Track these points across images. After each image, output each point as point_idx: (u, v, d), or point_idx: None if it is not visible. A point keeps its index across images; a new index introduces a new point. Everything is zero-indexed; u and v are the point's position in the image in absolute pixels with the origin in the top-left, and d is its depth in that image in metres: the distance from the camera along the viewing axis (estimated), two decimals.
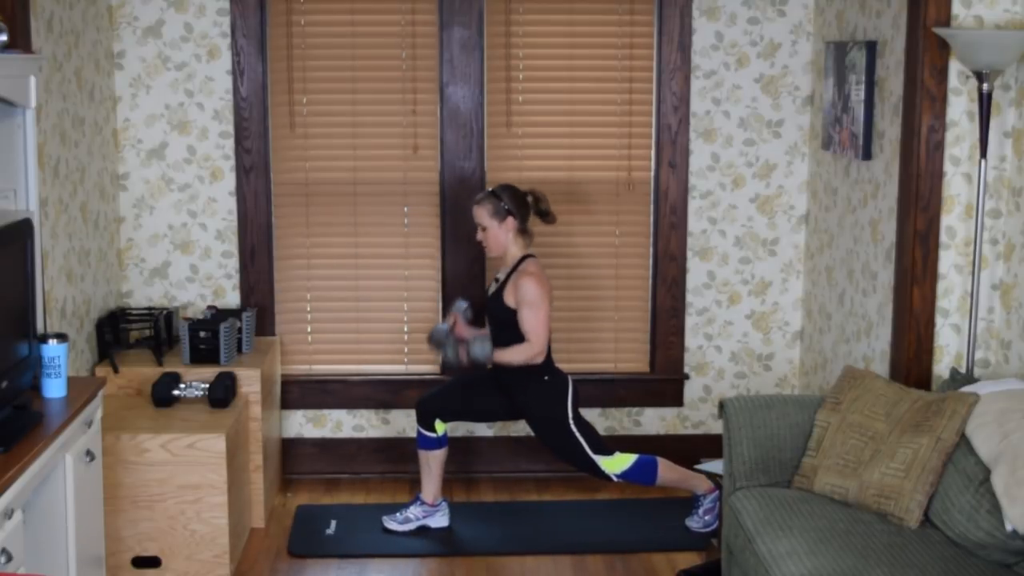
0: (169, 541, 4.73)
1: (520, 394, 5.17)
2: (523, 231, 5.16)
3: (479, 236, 5.18)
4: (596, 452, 5.14)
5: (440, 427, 5.21)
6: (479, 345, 5.08)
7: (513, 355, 5.06)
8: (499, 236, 5.13)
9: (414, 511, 5.28)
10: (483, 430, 5.91)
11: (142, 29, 5.61)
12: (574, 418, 5.14)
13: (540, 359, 5.07)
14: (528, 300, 5.02)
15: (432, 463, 5.26)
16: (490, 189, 5.19)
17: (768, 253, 5.90)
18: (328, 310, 5.88)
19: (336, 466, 5.93)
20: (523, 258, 5.14)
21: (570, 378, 5.22)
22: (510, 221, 5.11)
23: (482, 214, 5.13)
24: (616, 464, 5.14)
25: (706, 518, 5.21)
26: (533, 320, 5.03)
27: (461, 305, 5.28)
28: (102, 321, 5.27)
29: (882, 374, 4.74)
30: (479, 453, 5.90)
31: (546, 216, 5.21)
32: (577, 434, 5.13)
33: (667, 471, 5.18)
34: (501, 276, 5.17)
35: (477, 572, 4.96)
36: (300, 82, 5.74)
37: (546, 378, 5.16)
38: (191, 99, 5.68)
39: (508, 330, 5.09)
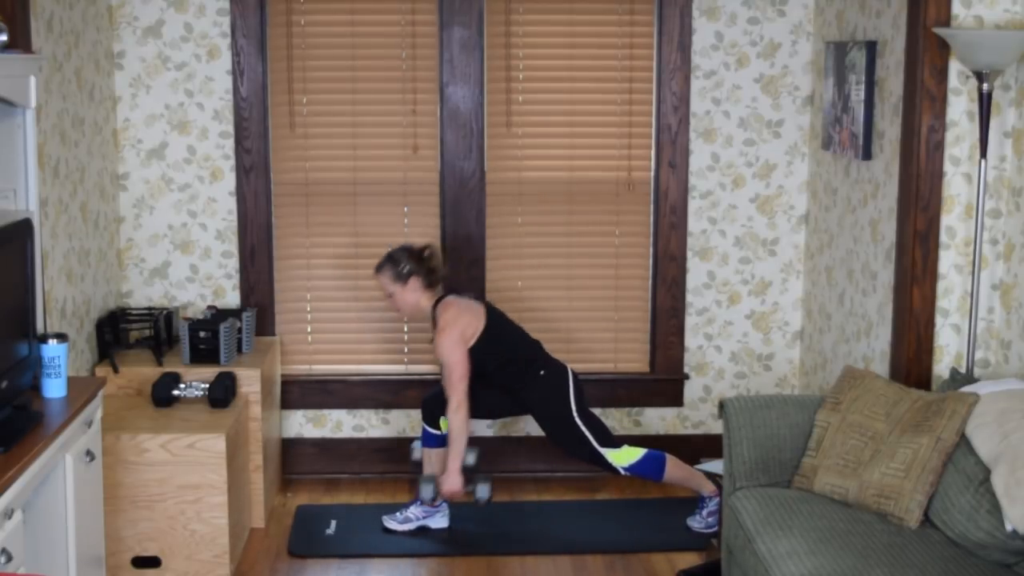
0: (169, 541, 4.73)
1: (522, 391, 5.18)
2: (430, 285, 5.19)
3: (387, 303, 5.22)
4: (603, 445, 5.14)
5: (444, 424, 5.21)
6: (481, 488, 5.13)
7: (453, 433, 5.06)
8: (407, 298, 5.18)
9: (414, 511, 5.28)
10: (483, 430, 5.91)
11: (142, 29, 5.61)
12: (578, 411, 5.15)
13: (461, 412, 5.05)
14: (442, 356, 5.08)
15: (435, 461, 5.26)
16: (387, 253, 5.21)
17: (768, 253, 5.90)
18: (328, 310, 5.88)
19: (336, 466, 5.93)
20: (436, 303, 5.18)
21: (570, 369, 5.22)
22: (413, 281, 5.15)
23: (384, 281, 5.19)
24: (624, 457, 5.14)
25: (709, 519, 5.21)
26: (447, 377, 5.07)
27: (483, 495, 5.22)
28: (102, 321, 5.27)
29: (882, 374, 4.74)
30: (478, 453, 5.89)
31: (432, 273, 5.20)
32: (582, 427, 5.13)
33: (675, 468, 5.19)
34: (432, 333, 5.23)
35: (477, 572, 4.96)
36: (300, 82, 5.74)
37: (542, 373, 5.17)
38: (191, 99, 5.68)
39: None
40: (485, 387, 5.22)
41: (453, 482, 5.08)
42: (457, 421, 5.06)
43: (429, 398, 5.28)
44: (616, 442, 5.18)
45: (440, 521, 5.29)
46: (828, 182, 5.54)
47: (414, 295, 5.18)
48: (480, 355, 5.13)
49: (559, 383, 5.16)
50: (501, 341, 5.19)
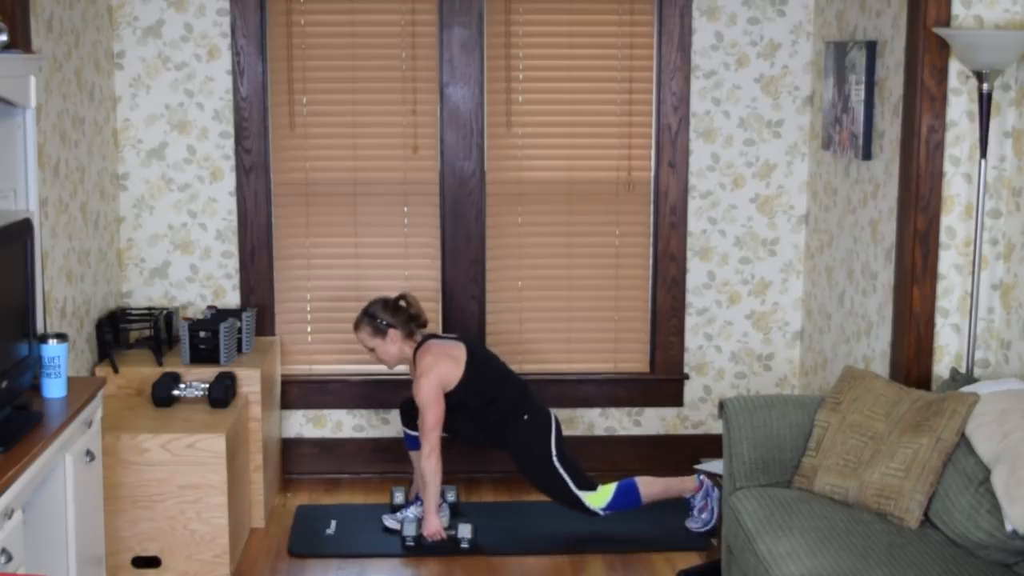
0: (169, 541, 4.73)
1: (504, 431, 5.18)
2: (409, 335, 5.19)
3: (371, 358, 5.24)
4: (580, 488, 5.13)
5: (602, 494, 5.16)
6: (463, 528, 5.10)
7: (426, 478, 5.06)
8: (389, 350, 5.20)
9: (413, 511, 5.28)
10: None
11: (142, 29, 5.61)
12: (558, 455, 5.14)
13: (432, 459, 5.04)
14: (420, 403, 5.08)
15: (417, 462, 5.27)
16: (363, 309, 5.22)
17: (768, 253, 5.90)
18: (328, 310, 5.88)
19: (336, 466, 5.93)
20: (415, 351, 5.18)
21: (553, 415, 5.21)
22: (392, 334, 5.16)
23: (364, 337, 5.21)
24: (600, 498, 5.13)
25: (703, 516, 5.20)
26: (423, 421, 5.07)
27: (465, 535, 5.17)
28: (102, 321, 5.26)
29: (882, 374, 4.74)
30: (479, 453, 5.89)
31: (416, 319, 5.21)
32: (561, 470, 5.12)
33: (648, 487, 5.18)
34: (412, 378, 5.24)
35: (477, 572, 4.96)
36: (300, 82, 5.74)
37: (526, 417, 5.16)
38: (191, 99, 5.67)
39: (456, 413, 5.16)
40: (466, 418, 5.22)
41: (431, 524, 5.08)
42: (429, 468, 5.07)
43: (405, 402, 5.29)
44: (592, 484, 5.15)
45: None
46: (828, 182, 5.54)
47: (395, 346, 5.19)
48: (463, 396, 5.13)
49: (542, 428, 5.15)
50: (484, 381, 5.17)
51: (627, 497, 5.15)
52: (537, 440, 5.14)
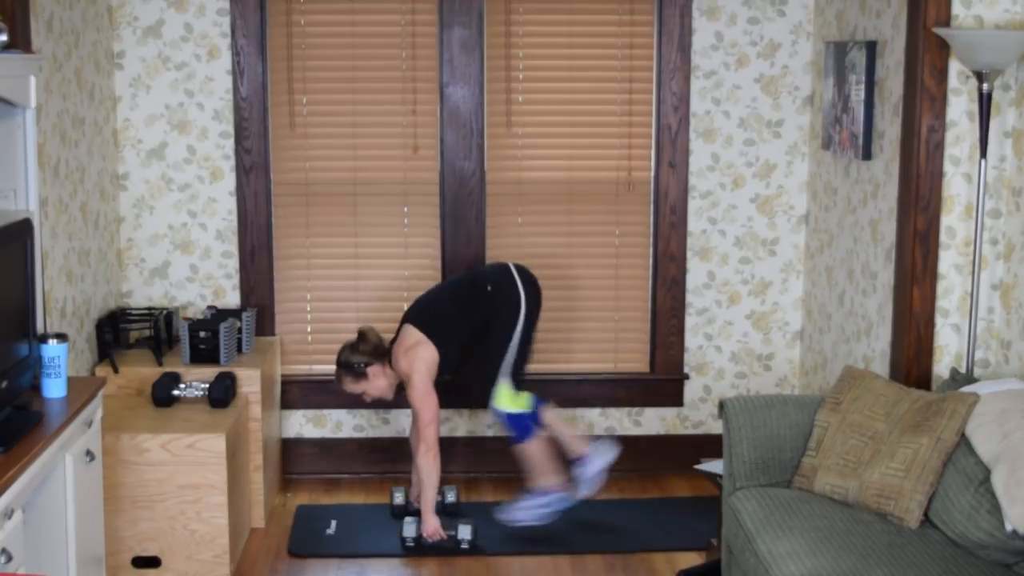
0: (169, 541, 4.73)
1: (484, 330, 5.20)
2: (383, 361, 5.20)
3: (366, 399, 5.28)
4: (508, 375, 5.13)
5: (518, 402, 5.17)
6: (463, 529, 5.10)
7: (423, 474, 5.08)
8: (379, 386, 5.24)
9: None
10: (483, 430, 5.91)
11: (142, 29, 5.61)
12: (522, 331, 5.13)
13: (431, 453, 5.07)
14: (413, 400, 5.11)
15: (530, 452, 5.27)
16: (336, 363, 5.23)
17: (768, 253, 5.90)
18: (328, 310, 5.88)
19: (336, 466, 5.93)
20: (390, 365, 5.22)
21: (517, 277, 5.21)
22: (373, 369, 5.19)
23: (351, 386, 5.24)
24: (510, 401, 5.13)
25: (532, 511, 5.24)
26: (418, 420, 5.11)
27: (465, 536, 5.17)
28: (102, 321, 5.26)
29: (882, 374, 4.74)
30: (479, 453, 5.90)
31: (377, 351, 5.20)
32: (510, 348, 5.11)
33: (535, 449, 5.19)
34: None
35: (477, 572, 4.96)
36: (300, 82, 5.74)
37: (489, 289, 5.19)
38: (191, 99, 5.68)
39: None
40: (454, 352, 5.23)
41: (430, 524, 5.09)
42: (427, 465, 5.08)
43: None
44: (521, 385, 5.15)
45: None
46: (828, 182, 5.54)
47: (381, 379, 5.23)
48: (452, 354, 5.17)
49: (510, 299, 5.16)
50: (451, 329, 5.18)
51: (521, 427, 5.16)
52: (506, 310, 5.14)
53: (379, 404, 5.84)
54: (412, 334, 5.18)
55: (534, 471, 5.25)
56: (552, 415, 5.34)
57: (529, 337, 5.20)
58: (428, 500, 5.10)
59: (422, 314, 5.23)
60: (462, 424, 5.89)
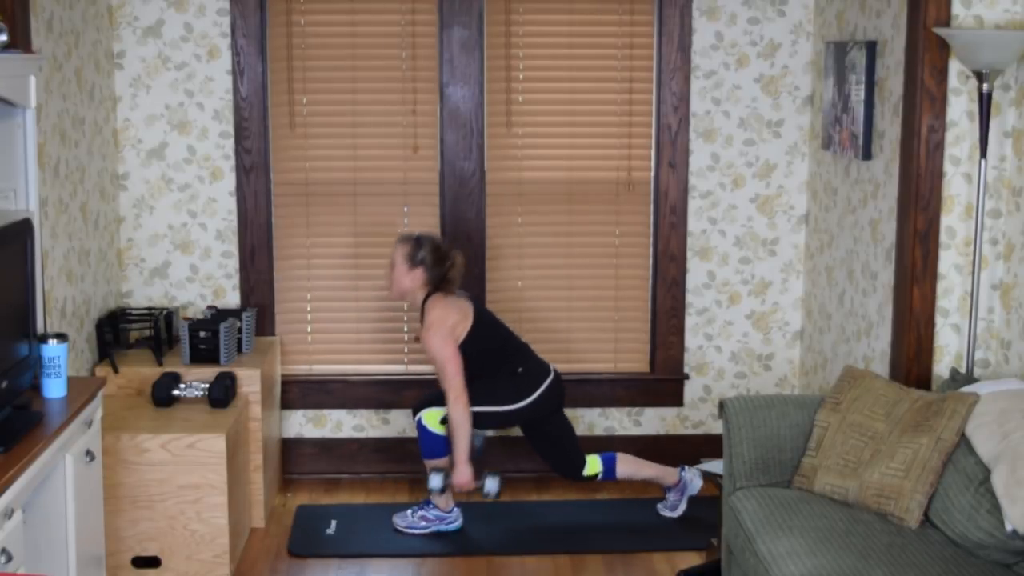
0: (169, 541, 4.73)
1: (493, 380, 5.21)
2: (430, 283, 5.18)
3: (385, 271, 5.26)
4: (436, 405, 5.14)
5: (440, 427, 5.19)
6: (490, 482, 5.12)
7: (453, 424, 5.06)
8: (402, 280, 5.19)
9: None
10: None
11: (142, 29, 5.61)
12: (511, 412, 5.14)
13: (461, 402, 5.05)
14: (432, 353, 5.09)
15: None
16: (417, 235, 5.21)
17: (768, 253, 5.90)
18: (328, 310, 5.88)
19: (336, 466, 5.93)
20: (426, 298, 5.18)
21: (551, 379, 5.21)
22: (419, 272, 5.15)
23: (398, 254, 5.19)
24: (435, 423, 5.14)
25: (416, 521, 5.24)
26: (441, 373, 5.09)
27: (491, 488, 5.22)
28: (102, 321, 5.26)
29: (882, 374, 4.74)
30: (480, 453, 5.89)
31: (441, 280, 5.19)
32: (482, 407, 5.12)
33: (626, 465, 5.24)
34: (420, 323, 5.23)
35: (477, 572, 4.96)
36: (300, 82, 5.74)
37: (520, 370, 5.18)
38: (191, 99, 5.68)
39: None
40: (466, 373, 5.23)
41: (463, 474, 5.08)
42: (457, 413, 5.06)
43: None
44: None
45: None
46: (828, 182, 5.54)
47: (411, 283, 5.18)
48: (468, 349, 5.14)
49: (529, 382, 5.17)
50: (489, 340, 5.19)
51: (437, 443, 5.16)
52: (513, 390, 5.15)
53: (378, 403, 5.84)
54: (467, 305, 5.17)
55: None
56: (627, 468, 5.34)
57: (509, 423, 5.23)
58: (461, 449, 5.07)
59: (487, 313, 5.26)
60: None
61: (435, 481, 5.09)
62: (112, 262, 5.59)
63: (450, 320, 5.10)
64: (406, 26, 5.73)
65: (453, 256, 5.21)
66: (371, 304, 5.87)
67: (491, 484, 5.08)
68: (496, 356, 5.19)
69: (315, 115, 5.77)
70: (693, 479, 5.40)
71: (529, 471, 5.90)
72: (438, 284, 5.17)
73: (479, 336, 5.15)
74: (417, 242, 5.17)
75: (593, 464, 5.32)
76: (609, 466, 5.32)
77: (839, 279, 5.38)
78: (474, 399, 5.10)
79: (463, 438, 5.07)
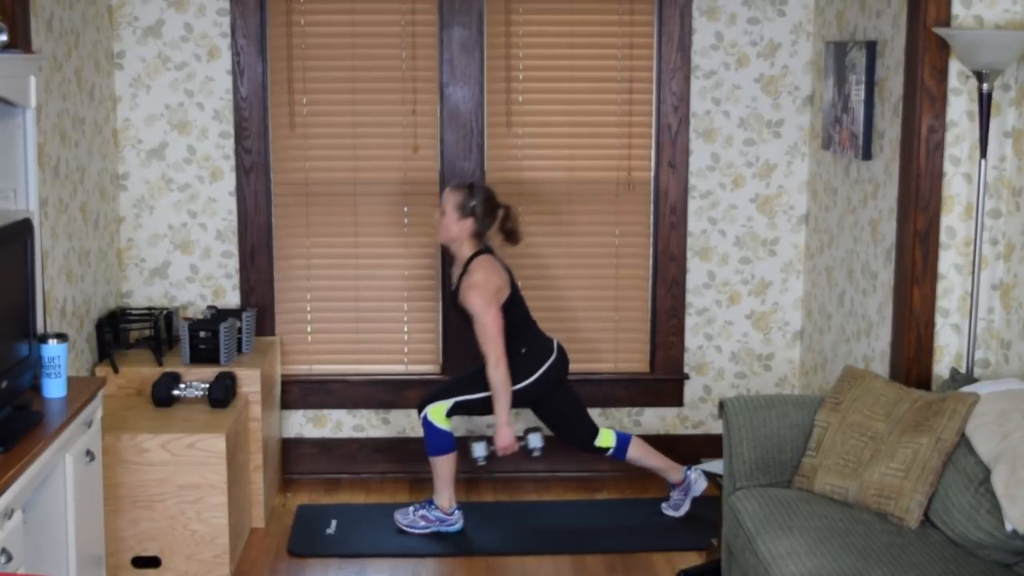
0: (169, 541, 4.73)
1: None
2: (479, 235, 5.17)
3: (435, 216, 5.22)
4: (440, 398, 5.15)
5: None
6: (533, 438, 5.16)
7: (493, 386, 5.07)
8: (451, 228, 5.15)
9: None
10: (483, 430, 5.91)
11: (142, 29, 5.61)
12: (515, 392, 5.13)
13: (501, 365, 5.06)
14: (474, 315, 5.08)
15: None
16: (470, 183, 5.22)
17: (768, 253, 5.90)
18: (328, 310, 5.88)
19: (336, 466, 5.93)
20: (473, 256, 5.15)
21: (552, 359, 5.21)
22: (469, 222, 5.13)
23: (449, 200, 5.16)
24: (440, 418, 5.15)
25: (416, 520, 5.25)
26: (482, 335, 5.08)
27: (536, 444, 5.26)
28: (102, 321, 5.26)
29: (882, 374, 4.74)
30: None
31: (511, 235, 5.22)
32: (488, 392, 5.12)
33: (446, 465, 5.20)
34: (456, 273, 5.21)
35: (477, 572, 4.96)
36: (300, 82, 5.74)
37: (523, 351, 5.18)
38: (191, 99, 5.68)
39: (474, 324, 5.15)
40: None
41: (505, 436, 5.09)
42: (498, 375, 5.06)
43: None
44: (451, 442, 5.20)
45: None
46: (828, 182, 5.54)
47: (459, 231, 5.15)
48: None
49: (530, 362, 5.17)
50: (514, 314, 5.19)
51: (443, 439, 5.19)
52: (516, 371, 5.14)
53: (378, 403, 5.84)
54: (506, 275, 5.17)
55: (438, 487, 5.25)
56: (637, 451, 5.35)
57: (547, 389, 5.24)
58: (503, 412, 5.08)
59: (516, 286, 5.26)
60: (461, 424, 5.88)
61: (479, 450, 5.09)
62: (112, 262, 5.59)
63: (494, 283, 5.10)
64: (406, 26, 5.73)
65: (504, 208, 5.21)
66: (371, 304, 5.87)
67: (535, 440, 5.08)
68: (512, 332, 5.18)
69: (315, 115, 5.77)
70: (698, 480, 5.39)
71: (529, 471, 5.91)
72: (483, 233, 5.17)
73: (509, 308, 5.15)
74: (470, 190, 5.16)
75: (607, 437, 5.32)
76: (622, 445, 5.32)
77: (839, 279, 5.38)
78: (477, 386, 5.12)
79: (504, 401, 5.07)
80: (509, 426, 5.10)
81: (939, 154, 4.50)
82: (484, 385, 5.14)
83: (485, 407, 5.21)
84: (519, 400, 5.20)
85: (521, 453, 5.12)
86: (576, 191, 5.84)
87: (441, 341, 5.88)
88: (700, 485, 5.40)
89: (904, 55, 4.63)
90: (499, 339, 5.06)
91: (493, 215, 5.17)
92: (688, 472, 5.41)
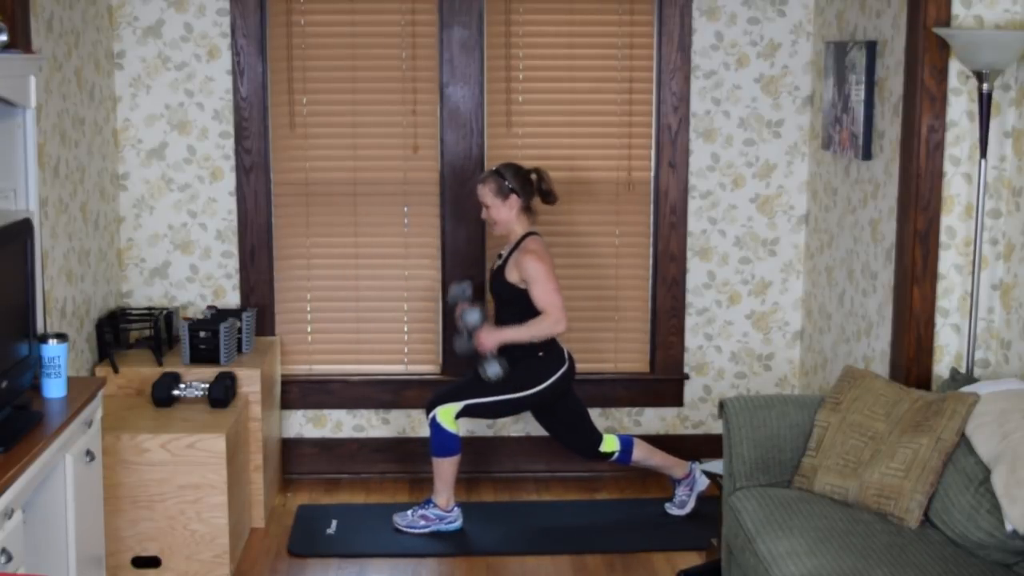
0: (169, 541, 4.73)
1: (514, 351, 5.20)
2: (527, 209, 5.19)
3: (483, 215, 5.22)
4: (450, 400, 5.15)
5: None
6: (470, 314, 5.13)
7: (535, 329, 5.08)
8: (502, 214, 5.17)
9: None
10: (483, 430, 5.91)
11: (142, 29, 5.61)
12: (527, 397, 5.15)
13: (562, 326, 5.08)
14: (534, 277, 5.07)
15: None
16: (493, 168, 5.23)
17: (768, 253, 5.90)
18: (328, 310, 5.88)
19: (336, 466, 5.93)
20: (525, 236, 5.17)
21: (566, 367, 5.21)
22: (513, 199, 5.16)
23: (486, 193, 5.18)
24: (449, 420, 5.16)
25: (416, 521, 5.24)
26: (544, 294, 5.07)
27: (463, 293, 5.29)
28: (102, 321, 5.27)
29: (882, 374, 4.74)
30: (479, 453, 5.90)
31: (548, 196, 5.25)
32: (497, 396, 5.14)
33: (448, 467, 5.21)
34: (504, 253, 5.22)
35: (477, 572, 4.96)
36: (300, 82, 5.74)
37: (540, 354, 5.17)
38: (191, 99, 5.68)
39: (510, 306, 5.15)
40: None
41: (488, 340, 5.08)
42: (543, 328, 5.06)
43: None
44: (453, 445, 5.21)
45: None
46: (828, 182, 5.54)
47: (509, 212, 5.17)
48: (523, 298, 5.12)
49: (545, 368, 5.17)
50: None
51: (449, 441, 5.19)
52: (529, 373, 5.15)
53: (378, 403, 5.84)
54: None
55: (438, 487, 5.25)
56: (641, 452, 5.36)
57: (520, 409, 5.25)
58: (513, 334, 5.09)
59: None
60: (461, 424, 5.88)
61: (494, 368, 5.07)
62: (112, 262, 5.59)
63: (549, 256, 5.15)
64: (406, 26, 5.73)
65: (535, 171, 5.22)
66: (371, 304, 5.87)
67: (493, 367, 5.07)
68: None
69: (315, 115, 5.77)
70: (701, 475, 5.41)
71: (529, 471, 5.91)
72: (530, 203, 5.19)
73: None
74: (498, 174, 5.17)
75: (611, 442, 5.33)
76: (626, 447, 5.33)
77: (839, 279, 5.38)
78: (489, 389, 5.13)
79: (521, 333, 5.08)
80: (497, 343, 5.08)
81: (939, 154, 4.50)
82: (495, 389, 5.14)
83: (495, 411, 5.21)
84: (524, 404, 5.20)
85: (477, 357, 5.16)
86: (576, 191, 5.84)
87: (441, 341, 5.88)
88: (704, 481, 5.42)
89: (904, 55, 4.63)
90: (561, 304, 5.06)
91: (529, 182, 5.20)
92: (693, 465, 5.41)
